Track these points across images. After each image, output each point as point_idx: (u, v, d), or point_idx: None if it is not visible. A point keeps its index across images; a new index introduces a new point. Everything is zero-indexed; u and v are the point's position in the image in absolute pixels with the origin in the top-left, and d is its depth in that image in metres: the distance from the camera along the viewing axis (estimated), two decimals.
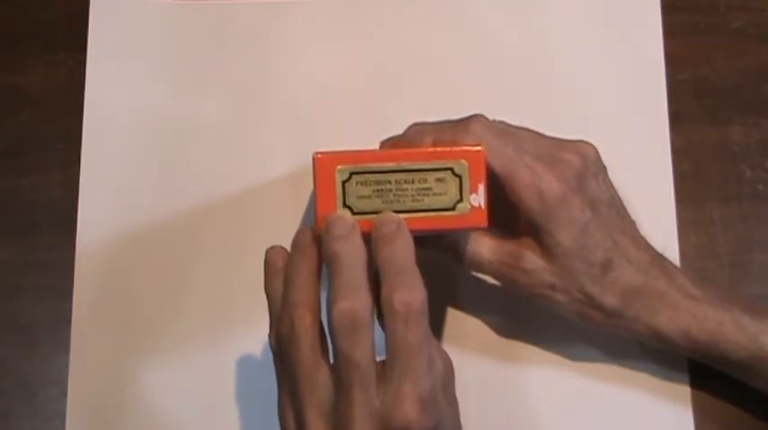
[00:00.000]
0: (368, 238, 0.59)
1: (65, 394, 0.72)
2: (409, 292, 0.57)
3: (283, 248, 0.62)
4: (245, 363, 0.73)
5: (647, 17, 0.78)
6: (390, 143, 0.67)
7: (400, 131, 0.67)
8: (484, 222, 0.61)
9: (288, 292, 0.60)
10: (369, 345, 0.56)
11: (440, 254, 0.67)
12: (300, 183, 0.74)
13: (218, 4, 0.78)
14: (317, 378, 0.57)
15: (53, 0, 0.79)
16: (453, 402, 0.60)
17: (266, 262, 0.63)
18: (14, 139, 0.77)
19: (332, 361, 0.58)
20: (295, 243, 0.61)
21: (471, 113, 0.65)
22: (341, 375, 0.56)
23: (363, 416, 0.55)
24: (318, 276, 0.60)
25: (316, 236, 0.60)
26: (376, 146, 0.68)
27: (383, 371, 0.56)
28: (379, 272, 0.58)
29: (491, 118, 0.66)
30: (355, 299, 0.56)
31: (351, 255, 0.58)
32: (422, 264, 0.63)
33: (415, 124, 0.66)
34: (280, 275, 0.61)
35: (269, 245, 0.63)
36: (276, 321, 0.60)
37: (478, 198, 0.61)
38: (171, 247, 0.75)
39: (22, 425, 0.72)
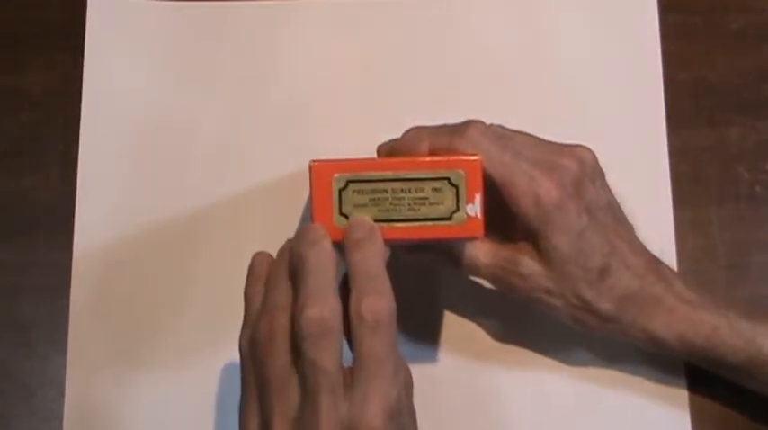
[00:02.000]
0: None
1: (62, 394, 0.72)
2: (378, 300, 0.56)
3: (270, 256, 0.62)
4: None
5: (645, 18, 0.78)
6: (387, 147, 0.67)
7: (398, 134, 0.67)
8: (480, 232, 0.61)
9: (268, 296, 0.59)
10: (336, 352, 0.56)
11: (436, 258, 0.67)
12: (300, 184, 0.73)
13: (216, 5, 0.78)
14: (288, 385, 0.57)
15: (52, 1, 0.79)
16: (413, 412, 0.59)
17: (250, 267, 0.63)
18: (13, 140, 0.77)
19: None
20: (282, 250, 0.61)
21: (469, 117, 0.65)
22: (307, 382, 0.55)
23: (329, 424, 0.55)
24: None
25: None
26: (374, 148, 0.69)
27: (350, 378, 0.56)
28: (349, 278, 0.58)
29: (490, 120, 0.66)
30: (324, 305, 0.56)
31: (319, 260, 0.58)
32: (417, 266, 0.63)
33: (413, 128, 0.66)
34: (261, 282, 0.61)
35: (267, 245, 0.63)
36: (252, 325, 0.60)
37: (475, 208, 0.61)
38: (169, 248, 0.75)
39: (20, 425, 0.72)
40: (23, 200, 0.76)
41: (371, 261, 0.58)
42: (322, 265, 0.58)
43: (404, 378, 0.58)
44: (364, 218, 0.60)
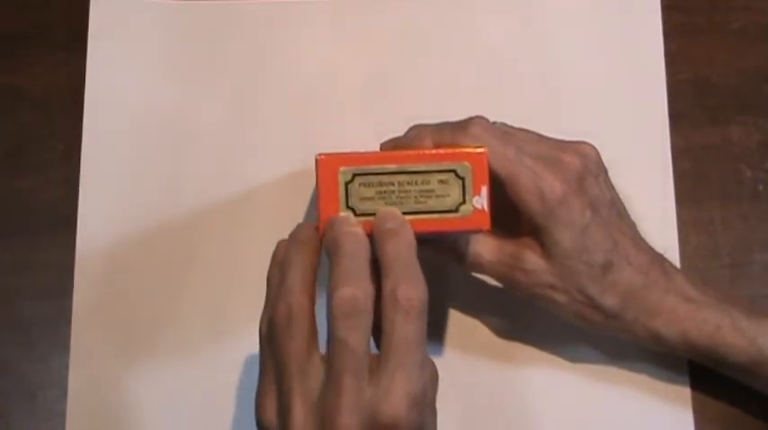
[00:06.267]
0: (369, 238, 0.59)
1: (64, 395, 0.72)
2: (413, 287, 0.56)
3: None
4: (245, 364, 0.73)
5: (648, 17, 0.78)
6: (390, 145, 0.67)
7: (401, 132, 0.67)
8: (487, 224, 0.61)
9: (285, 278, 0.59)
10: (365, 334, 0.55)
11: (440, 254, 0.67)
12: (301, 183, 0.74)
13: (218, 5, 0.78)
14: (307, 366, 0.56)
15: (53, 0, 0.79)
16: (435, 410, 0.59)
17: (274, 252, 0.62)
18: (14, 140, 0.76)
19: (324, 349, 0.57)
20: (296, 233, 0.61)
21: (471, 115, 0.65)
22: (333, 361, 0.55)
23: (351, 406, 0.54)
24: (316, 268, 0.60)
25: (320, 234, 0.60)
26: (376, 146, 0.69)
27: (376, 364, 0.55)
28: (382, 266, 0.58)
29: (492, 119, 0.66)
30: (357, 286, 0.56)
31: (354, 244, 0.58)
32: (421, 264, 0.63)
33: (416, 126, 0.66)
34: None
35: (269, 244, 0.62)
36: (271, 305, 0.59)
37: (481, 200, 0.61)
38: (171, 248, 0.75)
39: (22, 425, 0.72)
40: (23, 200, 0.76)
41: (406, 250, 0.58)
42: (356, 249, 0.58)
43: (430, 372, 0.58)
44: (393, 209, 0.60)
